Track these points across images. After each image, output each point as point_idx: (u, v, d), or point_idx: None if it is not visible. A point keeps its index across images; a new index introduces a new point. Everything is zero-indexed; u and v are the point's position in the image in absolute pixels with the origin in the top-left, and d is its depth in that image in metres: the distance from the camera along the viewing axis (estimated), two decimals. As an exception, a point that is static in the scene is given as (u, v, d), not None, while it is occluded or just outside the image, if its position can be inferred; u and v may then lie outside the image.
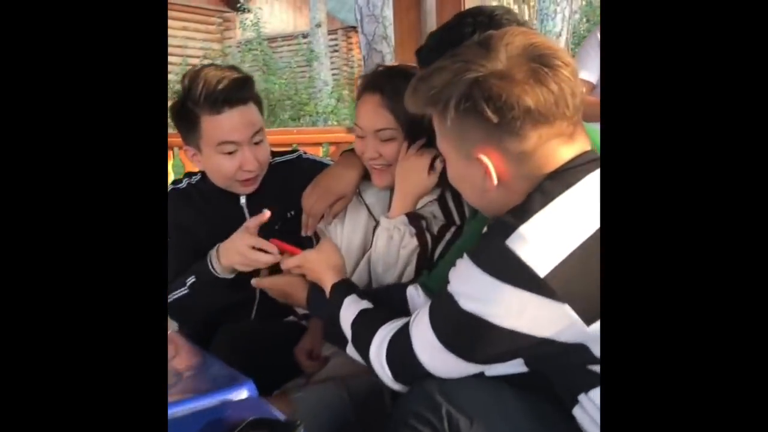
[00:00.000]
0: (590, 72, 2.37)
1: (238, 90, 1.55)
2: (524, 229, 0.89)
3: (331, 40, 12.82)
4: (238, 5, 12.00)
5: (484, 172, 0.96)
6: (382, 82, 1.43)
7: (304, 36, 11.58)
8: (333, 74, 12.17)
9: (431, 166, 1.39)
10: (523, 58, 0.92)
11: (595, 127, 1.38)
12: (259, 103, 1.63)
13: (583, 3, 13.35)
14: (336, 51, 13.45)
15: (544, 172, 0.95)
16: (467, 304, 0.92)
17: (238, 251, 1.43)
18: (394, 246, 1.38)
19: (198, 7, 11.90)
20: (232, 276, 1.50)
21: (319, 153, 3.54)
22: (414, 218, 1.40)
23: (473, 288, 0.92)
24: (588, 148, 1.00)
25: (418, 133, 1.38)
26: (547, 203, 0.91)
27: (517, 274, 0.87)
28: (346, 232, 1.55)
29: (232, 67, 1.63)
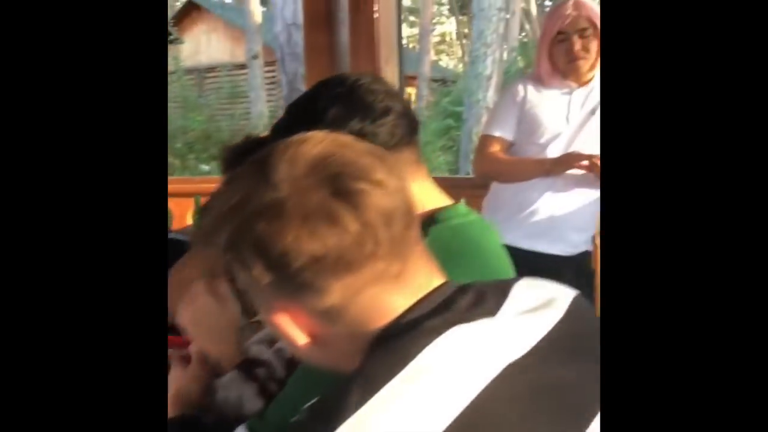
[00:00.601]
0: (506, 129, 2.19)
1: None
2: None
3: (268, 72, 12.58)
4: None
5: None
6: (240, 162, 1.15)
7: (229, 69, 11.16)
8: (269, 108, 11.92)
9: (218, 293, 1.06)
10: (312, 180, 0.65)
11: (477, 218, 1.04)
12: None
13: (518, 44, 13.56)
14: (273, 83, 13.20)
15: (370, 328, 0.68)
16: None
17: None
18: (233, 408, 1.02)
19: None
20: None
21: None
22: (248, 369, 1.03)
23: None
24: (436, 282, 0.71)
25: None
26: (369, 396, 0.62)
27: None
28: None
29: None
